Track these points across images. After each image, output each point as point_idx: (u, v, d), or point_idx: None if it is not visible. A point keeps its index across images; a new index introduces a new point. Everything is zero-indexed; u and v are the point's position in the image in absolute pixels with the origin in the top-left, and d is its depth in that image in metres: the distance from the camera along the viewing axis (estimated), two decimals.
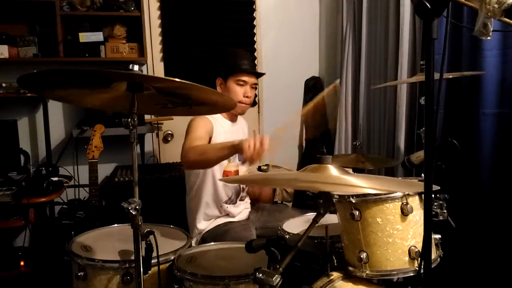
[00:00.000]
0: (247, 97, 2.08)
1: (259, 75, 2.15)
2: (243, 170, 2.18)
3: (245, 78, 2.06)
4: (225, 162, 2.05)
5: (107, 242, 1.63)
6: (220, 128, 2.06)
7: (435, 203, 1.54)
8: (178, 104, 1.41)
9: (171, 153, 3.29)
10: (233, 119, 2.17)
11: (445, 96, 2.16)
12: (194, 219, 2.10)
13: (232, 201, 2.15)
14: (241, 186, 2.18)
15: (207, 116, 2.01)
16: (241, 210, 2.20)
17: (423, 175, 1.48)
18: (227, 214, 2.13)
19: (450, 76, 1.87)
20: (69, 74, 1.23)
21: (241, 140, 1.62)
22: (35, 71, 1.13)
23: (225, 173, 2.10)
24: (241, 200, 2.21)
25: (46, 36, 2.88)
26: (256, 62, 3.46)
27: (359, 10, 2.94)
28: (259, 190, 2.31)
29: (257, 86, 2.18)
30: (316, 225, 1.15)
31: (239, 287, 1.35)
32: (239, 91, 2.06)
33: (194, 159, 1.80)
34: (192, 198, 2.11)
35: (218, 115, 2.10)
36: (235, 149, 1.66)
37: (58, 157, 3.07)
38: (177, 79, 1.19)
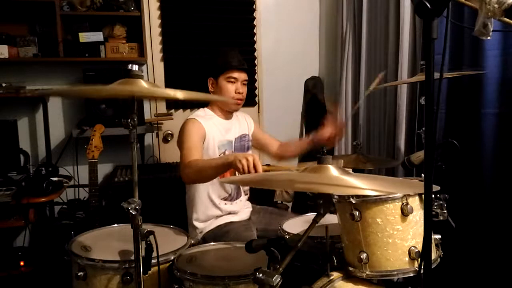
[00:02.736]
0: (239, 93, 2.11)
1: (249, 71, 2.18)
2: None
3: (235, 74, 2.09)
4: None
5: (107, 242, 1.63)
6: (213, 128, 2.08)
7: (435, 203, 1.55)
8: None
9: (171, 153, 3.29)
10: (227, 116, 2.19)
11: (446, 96, 2.16)
12: (193, 218, 2.10)
13: (232, 198, 2.15)
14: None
15: (198, 120, 2.04)
16: (242, 208, 2.20)
17: (423, 175, 1.48)
18: (228, 213, 2.13)
19: (451, 76, 1.87)
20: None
21: (235, 158, 1.65)
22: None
23: None
24: (245, 194, 2.22)
25: (46, 36, 2.88)
26: (256, 62, 3.46)
27: (359, 9, 2.94)
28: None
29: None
30: (316, 225, 1.15)
31: (239, 287, 1.35)
32: (230, 88, 2.09)
33: (192, 177, 1.87)
34: (191, 197, 2.12)
35: (212, 114, 2.13)
36: (229, 166, 1.71)
37: (58, 157, 3.07)
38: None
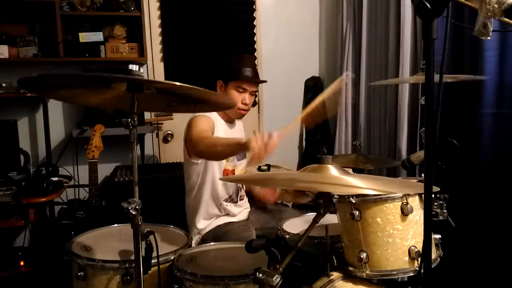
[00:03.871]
0: (245, 104, 2.08)
1: (260, 82, 2.16)
2: (239, 169, 2.18)
3: (245, 85, 2.06)
4: (223, 161, 2.06)
5: (107, 242, 1.63)
6: (219, 128, 2.07)
7: (435, 203, 1.54)
8: (182, 102, 1.41)
9: (171, 153, 3.29)
10: (231, 121, 2.18)
11: (445, 96, 2.16)
12: (194, 218, 2.10)
13: (233, 199, 2.15)
14: (239, 185, 2.19)
15: (207, 115, 2.02)
16: (241, 210, 2.20)
17: (422, 175, 1.48)
18: (227, 214, 2.13)
19: (450, 80, 1.86)
20: (68, 77, 1.23)
21: (249, 139, 1.59)
22: (35, 75, 1.13)
23: (224, 172, 2.11)
24: (241, 199, 2.21)
25: (46, 36, 2.88)
26: (256, 62, 3.46)
27: (359, 10, 2.94)
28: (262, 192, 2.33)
29: (257, 94, 2.18)
30: (316, 225, 1.15)
31: (239, 287, 1.35)
32: (238, 97, 2.05)
33: (204, 150, 1.83)
34: (192, 197, 2.11)
35: (217, 116, 2.11)
36: (242, 147, 1.64)
37: (58, 157, 3.07)
38: (176, 83, 1.18)
